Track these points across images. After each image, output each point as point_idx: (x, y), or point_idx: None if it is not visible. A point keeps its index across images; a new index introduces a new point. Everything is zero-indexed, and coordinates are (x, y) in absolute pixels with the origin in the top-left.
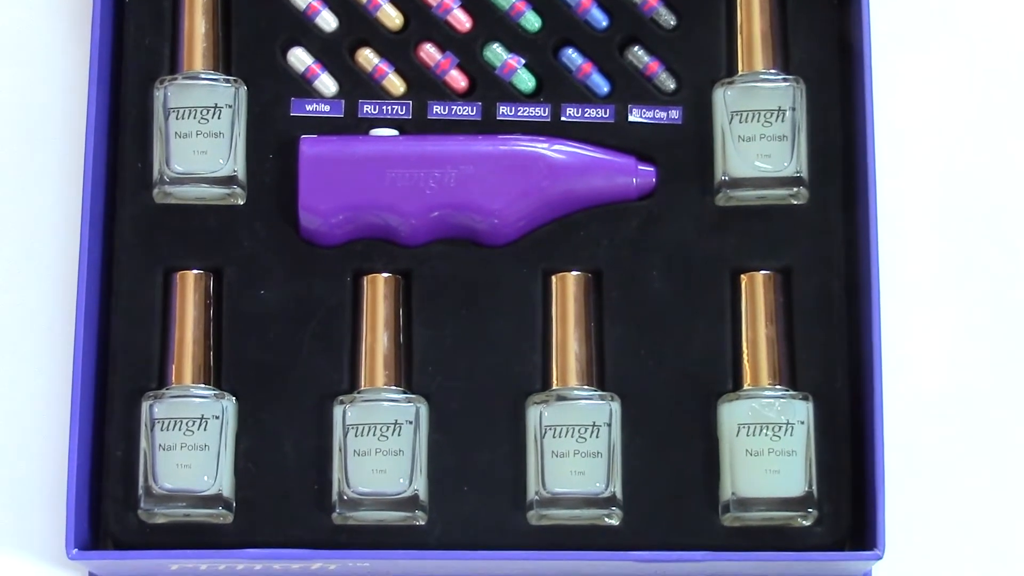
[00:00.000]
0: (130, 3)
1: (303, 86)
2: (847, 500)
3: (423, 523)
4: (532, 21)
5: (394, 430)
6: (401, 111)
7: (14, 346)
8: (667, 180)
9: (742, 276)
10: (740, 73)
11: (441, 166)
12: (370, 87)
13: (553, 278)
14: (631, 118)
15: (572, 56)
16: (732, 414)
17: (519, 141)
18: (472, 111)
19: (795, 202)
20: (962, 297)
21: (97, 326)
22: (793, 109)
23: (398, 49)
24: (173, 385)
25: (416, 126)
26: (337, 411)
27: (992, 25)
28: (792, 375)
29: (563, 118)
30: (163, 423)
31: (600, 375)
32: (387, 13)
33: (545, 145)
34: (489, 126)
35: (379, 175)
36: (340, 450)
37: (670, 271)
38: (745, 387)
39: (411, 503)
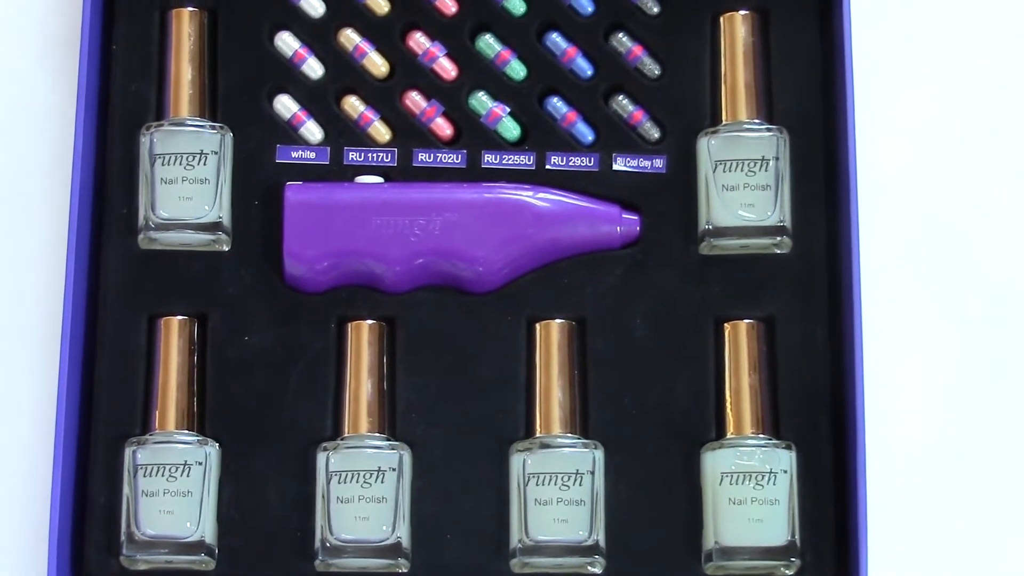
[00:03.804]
0: (117, 49)
1: (289, 133)
2: (830, 549)
3: (406, 570)
4: (517, 70)
5: (377, 477)
6: (386, 158)
7: None
8: (651, 228)
9: (725, 325)
10: (724, 123)
11: (426, 214)
12: (355, 134)
13: (537, 326)
14: (615, 167)
15: (557, 105)
16: (715, 462)
17: (504, 189)
18: (457, 159)
19: (778, 251)
20: (945, 346)
21: (81, 371)
22: (776, 159)
23: (384, 97)
24: (156, 431)
25: (401, 173)
26: (320, 458)
27: (974, 73)
28: (775, 424)
29: (548, 166)
30: (146, 469)
31: (583, 423)
32: (373, 61)
33: (530, 193)
34: (474, 174)
35: (364, 222)
36: (323, 497)
37: (654, 319)
38: (728, 436)
39: (394, 550)
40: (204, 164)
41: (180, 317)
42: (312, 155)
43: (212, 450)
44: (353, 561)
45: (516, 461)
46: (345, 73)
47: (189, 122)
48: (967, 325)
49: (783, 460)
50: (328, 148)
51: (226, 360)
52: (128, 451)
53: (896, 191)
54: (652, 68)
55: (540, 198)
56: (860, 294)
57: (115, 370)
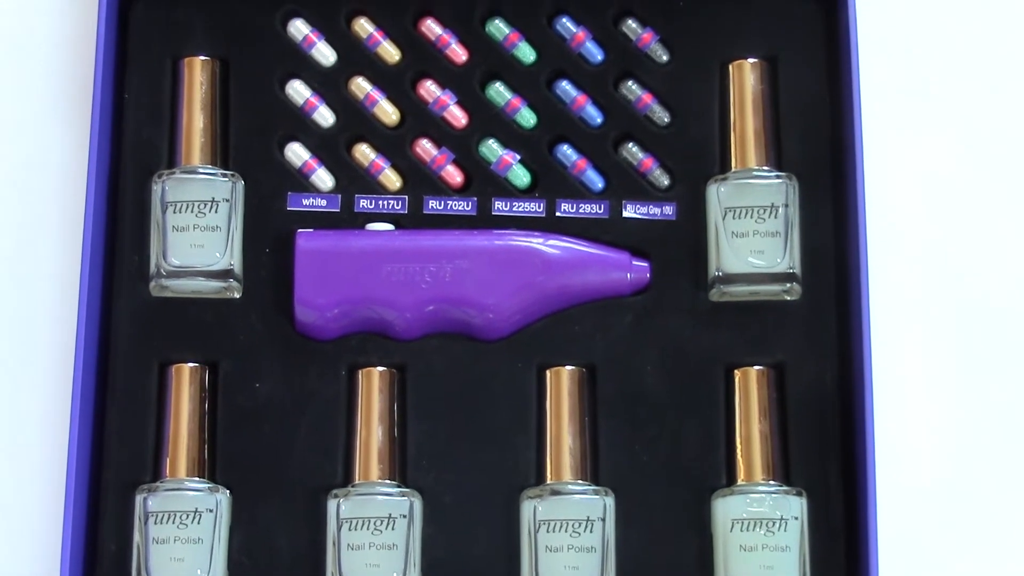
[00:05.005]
0: (129, 98)
1: (300, 181)
2: None
3: None
4: (527, 118)
5: (388, 524)
6: (397, 206)
7: (10, 439)
8: (661, 275)
9: (735, 371)
10: (733, 170)
11: (436, 261)
12: (366, 182)
13: (547, 372)
14: (625, 214)
15: (567, 152)
16: (726, 509)
17: (514, 236)
18: (467, 206)
19: (788, 298)
20: (956, 390)
21: (92, 418)
22: (786, 206)
23: (394, 144)
24: (167, 478)
25: (412, 221)
26: (331, 505)
27: (983, 118)
28: (786, 470)
29: (558, 214)
30: (157, 516)
31: (594, 470)
32: (384, 109)
33: (540, 240)
34: (484, 221)
35: (375, 269)
36: (334, 544)
37: (664, 366)
38: (739, 482)
39: None
40: (215, 212)
41: (191, 364)
42: (323, 203)
43: (223, 497)
44: None
45: (527, 508)
46: (356, 121)
47: (201, 170)
48: (978, 368)
49: (794, 506)
50: (339, 196)
51: (237, 407)
52: (139, 498)
53: (905, 237)
54: (661, 116)
55: (550, 245)
56: (870, 340)
57: (126, 417)
